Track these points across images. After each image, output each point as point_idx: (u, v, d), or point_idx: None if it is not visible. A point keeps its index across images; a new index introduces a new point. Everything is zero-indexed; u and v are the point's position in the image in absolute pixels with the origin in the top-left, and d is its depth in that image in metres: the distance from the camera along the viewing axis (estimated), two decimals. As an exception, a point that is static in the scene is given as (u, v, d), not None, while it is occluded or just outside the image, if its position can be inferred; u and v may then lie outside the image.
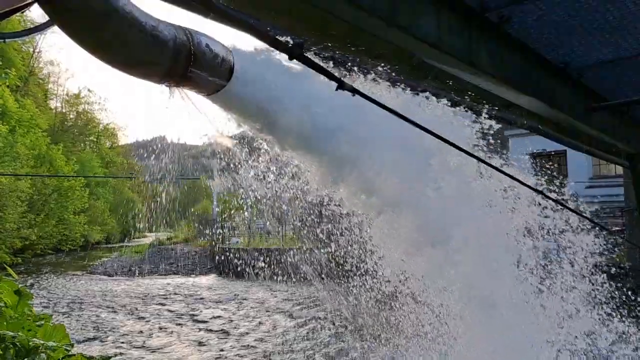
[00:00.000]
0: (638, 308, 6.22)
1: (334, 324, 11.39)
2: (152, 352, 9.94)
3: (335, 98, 2.29)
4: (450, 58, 2.75)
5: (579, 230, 4.82)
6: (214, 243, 26.34)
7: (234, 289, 18.11)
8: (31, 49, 42.42)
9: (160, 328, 11.95)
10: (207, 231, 28.64)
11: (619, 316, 5.57)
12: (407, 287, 4.11)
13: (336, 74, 1.81)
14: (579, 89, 4.34)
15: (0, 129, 26.14)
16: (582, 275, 5.00)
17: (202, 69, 2.28)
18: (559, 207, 4.41)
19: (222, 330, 11.60)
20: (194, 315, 13.45)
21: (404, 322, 4.56)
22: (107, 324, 12.42)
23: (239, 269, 20.63)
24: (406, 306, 4.34)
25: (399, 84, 3.16)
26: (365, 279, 4.72)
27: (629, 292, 6.12)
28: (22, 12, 2.15)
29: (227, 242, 24.83)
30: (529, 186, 3.16)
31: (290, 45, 1.83)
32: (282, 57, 2.64)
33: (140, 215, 52.16)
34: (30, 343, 3.14)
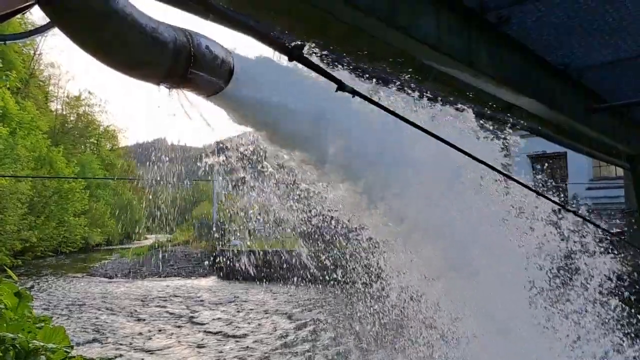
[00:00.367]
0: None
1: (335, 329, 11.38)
2: (152, 353, 9.94)
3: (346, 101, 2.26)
4: (449, 59, 2.76)
5: (595, 253, 4.80)
6: (214, 245, 26.33)
7: (233, 291, 18.10)
8: (32, 51, 42.52)
9: (160, 330, 11.94)
10: (208, 233, 28.64)
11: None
12: (419, 312, 4.05)
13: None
14: (579, 90, 4.35)
15: (1, 131, 26.15)
16: (596, 300, 4.97)
17: (202, 71, 2.28)
18: (575, 229, 4.43)
19: (221, 332, 11.59)
20: (193, 317, 13.44)
21: (413, 348, 4.50)
22: (107, 326, 12.41)
23: (239, 271, 20.62)
24: (416, 330, 4.28)
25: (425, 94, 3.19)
26: (374, 304, 4.66)
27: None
28: (23, 14, 2.16)
29: (227, 244, 24.82)
30: (530, 188, 3.16)
31: (290, 46, 1.83)
32: (283, 59, 2.65)
33: (140, 218, 52.21)
34: (30, 345, 3.14)
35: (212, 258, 25.00)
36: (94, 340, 11.06)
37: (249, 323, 12.48)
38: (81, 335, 11.42)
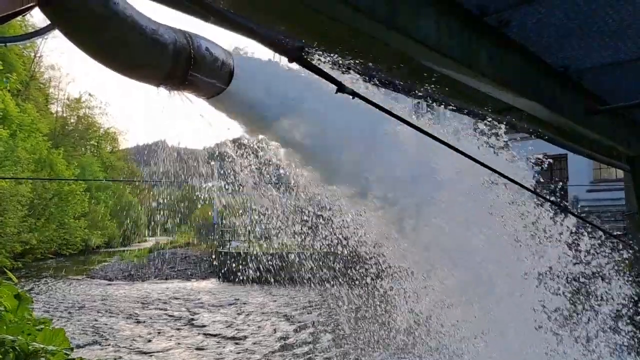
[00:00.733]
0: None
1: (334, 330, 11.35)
2: (152, 356, 9.92)
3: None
4: (449, 61, 2.75)
5: (608, 277, 4.77)
6: (214, 247, 26.31)
7: (234, 293, 18.08)
8: (32, 54, 42.56)
9: (160, 332, 11.93)
10: (208, 235, 28.64)
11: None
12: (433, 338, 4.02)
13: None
14: (579, 92, 4.34)
15: (1, 133, 26.16)
16: (610, 326, 4.93)
17: (202, 72, 2.28)
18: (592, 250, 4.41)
19: (221, 334, 11.57)
20: (193, 319, 13.43)
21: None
22: (107, 328, 12.39)
23: (239, 273, 20.59)
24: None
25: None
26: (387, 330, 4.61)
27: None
28: (23, 16, 2.16)
29: (227, 247, 24.80)
30: (532, 190, 3.16)
31: (290, 48, 1.83)
32: (284, 60, 2.65)
33: (140, 220, 52.16)
34: (29, 347, 3.13)
35: (212, 260, 24.99)
36: (94, 342, 11.05)
37: (248, 325, 12.47)
38: (81, 337, 11.40)
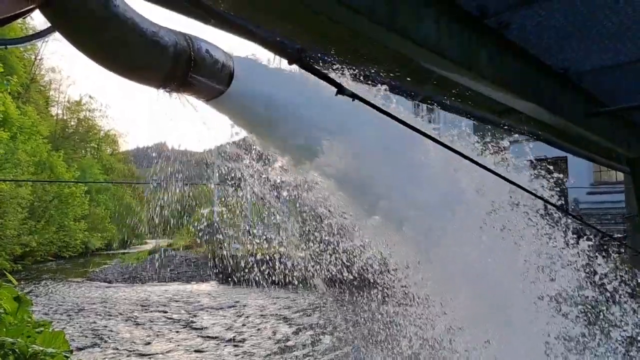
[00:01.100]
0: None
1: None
2: (151, 358, 9.91)
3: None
4: (449, 62, 2.76)
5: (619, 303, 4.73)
6: (214, 250, 26.28)
7: (234, 295, 18.07)
8: (33, 56, 42.65)
9: (160, 335, 11.92)
10: (207, 237, 28.59)
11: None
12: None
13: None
14: (579, 93, 4.34)
15: (2, 135, 26.18)
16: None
17: (202, 75, 2.29)
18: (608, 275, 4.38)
19: (221, 337, 11.56)
20: (193, 322, 13.41)
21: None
22: (106, 331, 12.38)
23: (239, 275, 20.57)
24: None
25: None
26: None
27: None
28: (24, 18, 2.16)
29: (228, 249, 24.78)
30: (532, 193, 3.16)
31: (290, 50, 1.83)
32: (284, 63, 2.65)
33: (140, 222, 52.16)
34: (29, 349, 3.13)
35: (212, 263, 24.95)
36: (94, 345, 11.03)
37: (248, 328, 12.45)
38: (81, 340, 11.39)
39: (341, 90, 1.91)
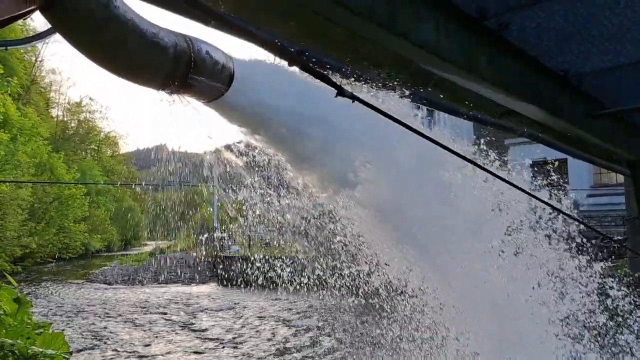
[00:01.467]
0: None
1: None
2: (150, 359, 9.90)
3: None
4: (449, 64, 2.75)
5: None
6: (214, 251, 26.28)
7: (233, 297, 18.05)
8: (33, 58, 42.70)
9: (159, 336, 11.90)
10: (207, 239, 28.57)
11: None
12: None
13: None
14: (579, 95, 4.34)
15: (2, 137, 26.19)
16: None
17: (202, 76, 2.29)
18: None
19: (220, 338, 11.55)
20: (193, 323, 13.40)
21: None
22: (106, 333, 12.37)
23: (238, 277, 20.56)
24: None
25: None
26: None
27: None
28: (24, 20, 2.17)
29: (227, 251, 24.77)
30: (533, 195, 3.15)
31: (290, 51, 1.83)
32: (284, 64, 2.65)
33: (140, 224, 52.16)
34: (29, 351, 3.13)
35: (212, 264, 24.95)
36: (93, 346, 11.02)
37: (247, 329, 12.44)
38: (80, 341, 11.37)
39: (341, 91, 1.91)
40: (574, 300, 4.11)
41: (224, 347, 10.72)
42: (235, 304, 16.54)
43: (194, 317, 14.27)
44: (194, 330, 12.53)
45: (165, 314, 14.98)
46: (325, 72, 2.25)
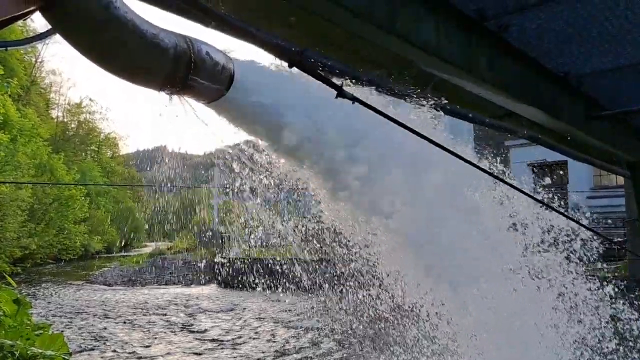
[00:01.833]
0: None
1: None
2: (151, 362, 9.89)
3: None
4: (449, 66, 2.76)
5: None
6: (214, 253, 26.29)
7: (233, 299, 18.04)
8: (33, 59, 42.75)
9: (159, 338, 11.90)
10: (207, 241, 28.60)
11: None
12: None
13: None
14: (579, 97, 4.34)
15: (2, 138, 26.20)
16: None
17: (202, 77, 2.28)
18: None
19: (220, 340, 11.55)
20: (192, 325, 13.39)
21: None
22: (106, 334, 12.36)
23: (238, 279, 20.55)
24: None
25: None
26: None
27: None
28: (24, 20, 2.17)
29: (227, 252, 24.77)
30: (534, 197, 3.15)
31: (290, 52, 1.83)
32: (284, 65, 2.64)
33: (140, 225, 52.16)
34: (28, 352, 3.13)
35: (211, 266, 24.94)
36: (93, 347, 11.02)
37: (247, 331, 12.43)
38: (80, 342, 11.37)
39: (341, 92, 1.91)
40: (583, 323, 4.07)
41: (223, 349, 10.72)
42: (235, 305, 16.53)
43: (194, 319, 14.26)
44: (194, 332, 12.52)
45: (164, 315, 14.97)
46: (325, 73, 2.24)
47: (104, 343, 11.39)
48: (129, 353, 10.49)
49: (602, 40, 3.33)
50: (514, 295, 3.32)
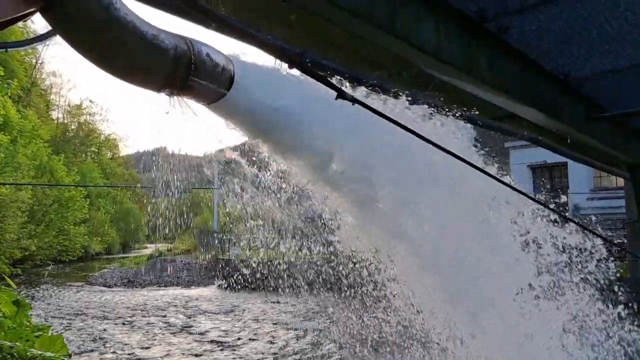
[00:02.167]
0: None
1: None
2: (151, 363, 9.88)
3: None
4: (449, 67, 2.76)
5: None
6: (214, 255, 26.26)
7: (233, 300, 18.02)
8: (34, 60, 42.74)
9: (159, 339, 11.88)
10: (208, 242, 28.58)
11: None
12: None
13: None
14: (579, 99, 4.35)
15: (2, 139, 26.19)
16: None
17: (202, 78, 2.28)
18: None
19: (219, 341, 11.53)
20: (192, 326, 13.37)
21: None
22: (105, 335, 12.34)
23: (239, 280, 20.53)
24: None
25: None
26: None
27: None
28: (25, 22, 2.17)
29: (227, 254, 24.75)
30: (534, 199, 3.15)
31: (290, 53, 1.84)
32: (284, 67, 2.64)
33: (140, 226, 52.12)
34: (28, 353, 3.12)
35: (212, 267, 24.92)
36: (92, 349, 11.00)
37: (247, 332, 12.42)
38: (79, 344, 11.35)
39: (341, 94, 1.91)
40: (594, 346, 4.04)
41: (222, 350, 10.70)
42: (235, 306, 16.51)
43: (193, 320, 14.24)
44: (193, 333, 12.50)
45: (164, 316, 14.95)
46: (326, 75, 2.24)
47: (104, 344, 11.38)
48: (129, 354, 10.47)
49: (601, 41, 3.33)
50: (527, 316, 3.27)
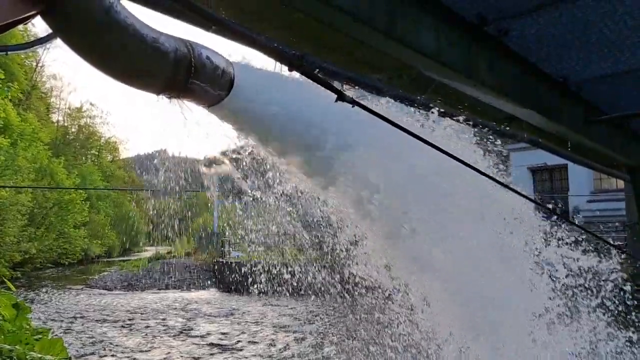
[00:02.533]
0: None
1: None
2: (150, 366, 9.86)
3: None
4: (449, 70, 2.76)
5: None
6: (214, 257, 26.24)
7: (233, 303, 18.00)
8: (34, 63, 42.79)
9: (159, 342, 11.86)
10: (208, 245, 28.55)
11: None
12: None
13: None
14: (578, 102, 4.36)
15: (2, 142, 26.20)
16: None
17: (203, 81, 2.29)
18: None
19: (219, 344, 11.51)
20: (192, 329, 13.36)
21: None
22: (105, 338, 12.32)
23: (238, 283, 20.50)
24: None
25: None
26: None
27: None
28: (25, 25, 2.17)
29: (227, 256, 24.72)
30: (533, 200, 3.15)
31: (290, 56, 1.84)
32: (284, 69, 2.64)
33: (140, 229, 52.10)
34: (27, 356, 3.12)
35: (211, 270, 24.89)
36: (92, 352, 10.98)
37: (247, 335, 12.40)
38: (79, 347, 11.33)
39: (341, 96, 1.91)
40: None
41: (222, 353, 10.69)
42: (234, 309, 16.49)
43: (193, 323, 14.22)
44: (193, 336, 12.48)
45: (164, 319, 14.93)
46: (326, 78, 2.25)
47: (103, 348, 11.36)
48: (128, 357, 10.46)
49: (600, 45, 3.34)
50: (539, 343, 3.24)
